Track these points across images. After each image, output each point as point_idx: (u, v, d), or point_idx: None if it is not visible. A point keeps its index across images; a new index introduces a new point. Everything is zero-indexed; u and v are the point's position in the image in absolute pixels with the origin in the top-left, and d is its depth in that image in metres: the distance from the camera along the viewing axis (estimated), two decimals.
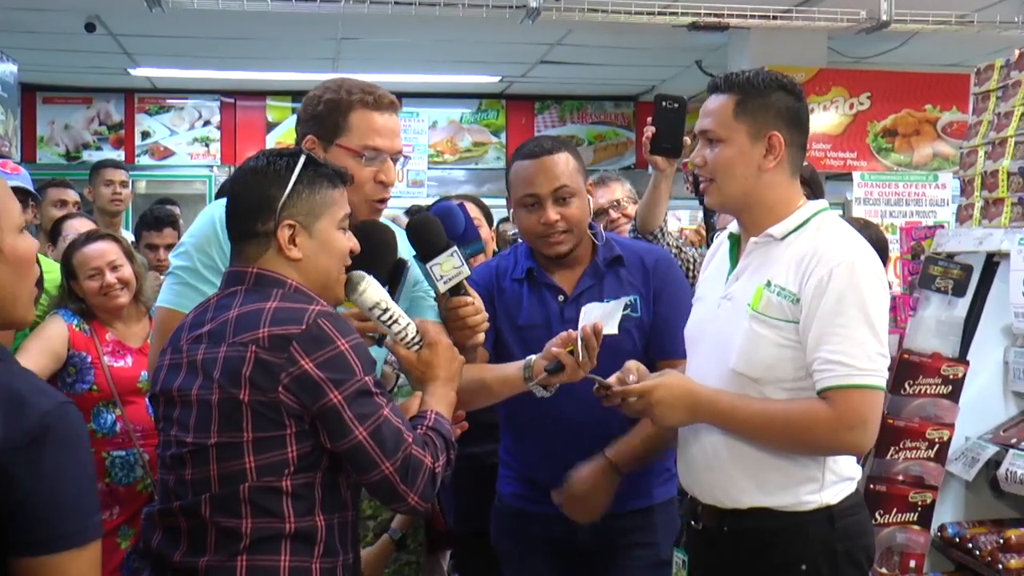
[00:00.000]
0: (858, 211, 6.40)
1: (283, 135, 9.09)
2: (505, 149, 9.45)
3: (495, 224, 4.56)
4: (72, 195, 4.96)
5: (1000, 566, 2.60)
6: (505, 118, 9.64)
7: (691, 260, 3.69)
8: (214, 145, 9.24)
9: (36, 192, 4.40)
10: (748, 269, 2.20)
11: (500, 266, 2.67)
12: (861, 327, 2.03)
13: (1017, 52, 3.12)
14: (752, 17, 6.39)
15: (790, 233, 2.16)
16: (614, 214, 3.96)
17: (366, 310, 2.05)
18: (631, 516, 2.57)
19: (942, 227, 3.59)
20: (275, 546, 1.81)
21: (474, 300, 2.27)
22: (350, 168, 2.11)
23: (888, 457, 2.73)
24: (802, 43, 6.83)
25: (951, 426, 2.76)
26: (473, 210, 3.48)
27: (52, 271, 3.48)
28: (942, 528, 2.81)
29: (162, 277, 2.39)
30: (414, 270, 2.27)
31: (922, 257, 3.12)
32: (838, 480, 2.15)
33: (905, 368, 2.78)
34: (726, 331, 2.17)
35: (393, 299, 2.09)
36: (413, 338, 2.08)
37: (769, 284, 2.12)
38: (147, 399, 3.03)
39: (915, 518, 2.73)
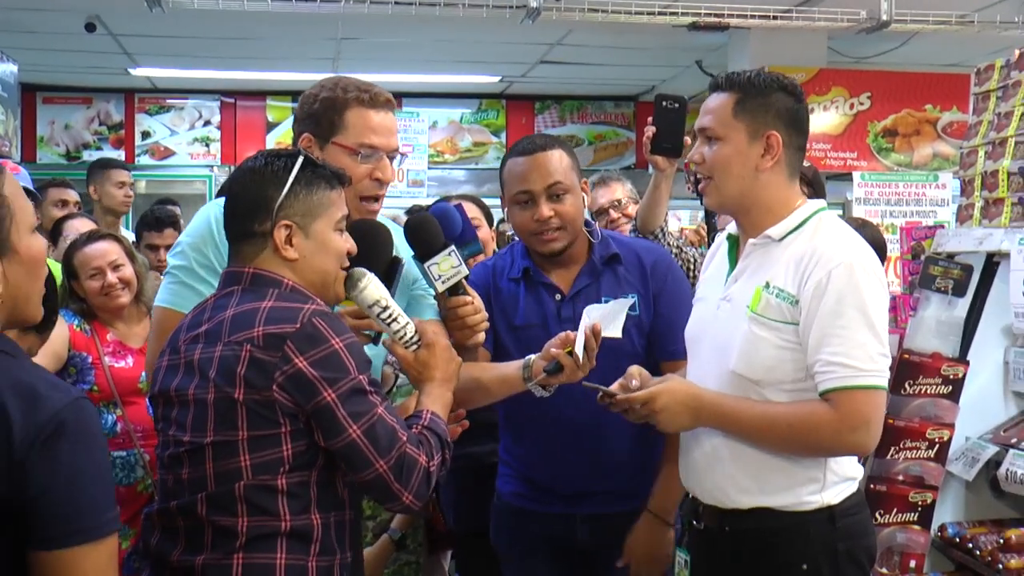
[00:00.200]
0: (858, 211, 6.39)
1: (283, 135, 9.09)
2: (505, 149, 9.44)
3: (495, 224, 4.56)
4: (72, 195, 4.96)
5: (1000, 566, 2.60)
6: (505, 118, 9.64)
7: (691, 260, 3.69)
8: (214, 145, 9.23)
9: (36, 192, 4.40)
10: (747, 271, 2.20)
11: (497, 265, 2.66)
12: (861, 328, 2.03)
13: (1017, 52, 3.12)
14: (752, 17, 6.39)
15: (788, 234, 2.16)
16: (615, 214, 3.97)
17: (366, 307, 2.05)
18: (630, 515, 2.57)
19: (942, 227, 3.59)
20: (271, 544, 1.81)
21: (473, 300, 2.27)
22: (346, 166, 2.11)
23: (888, 457, 2.73)
24: (802, 43, 6.83)
25: (951, 426, 2.76)
26: (472, 210, 3.49)
27: (53, 271, 3.48)
28: (942, 528, 2.81)
29: (162, 277, 2.41)
30: (414, 269, 2.27)
31: (922, 257, 3.12)
32: (839, 480, 2.15)
33: (905, 368, 2.78)
34: (725, 333, 2.17)
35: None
36: (411, 337, 2.08)
37: (768, 286, 2.12)
38: (147, 399, 3.03)
39: (915, 518, 2.73)
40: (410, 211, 4.79)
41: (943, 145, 7.22)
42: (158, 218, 4.74)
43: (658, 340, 2.55)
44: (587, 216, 2.75)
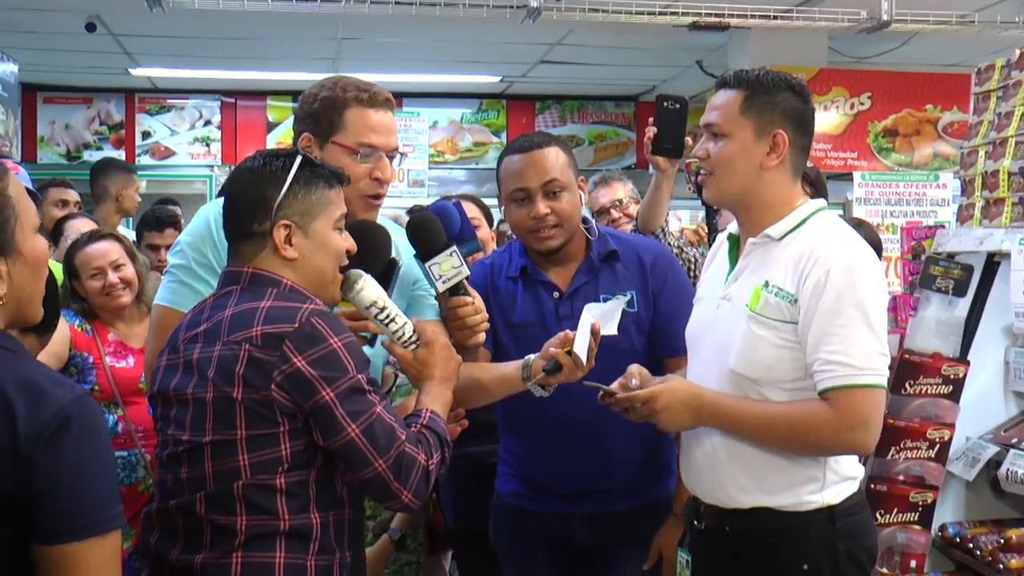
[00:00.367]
0: (859, 211, 6.39)
1: (284, 135, 9.08)
2: None
3: (495, 224, 4.55)
4: (73, 195, 4.96)
5: (1001, 566, 2.60)
6: (506, 118, 9.63)
7: (692, 260, 3.70)
8: (215, 145, 9.23)
9: (37, 192, 4.40)
10: (746, 270, 2.20)
11: (495, 264, 2.66)
12: (860, 327, 2.03)
13: (1018, 52, 3.12)
14: (753, 17, 6.38)
15: (788, 233, 2.16)
16: (616, 213, 3.97)
17: (363, 308, 2.05)
18: (629, 514, 2.57)
19: (943, 227, 3.60)
20: (270, 543, 1.81)
21: (474, 300, 2.27)
22: (345, 165, 2.11)
23: (889, 457, 2.73)
24: (803, 43, 6.82)
25: (952, 426, 2.76)
26: (472, 209, 3.49)
27: (55, 272, 3.48)
28: (943, 528, 2.81)
29: (163, 277, 2.42)
30: (414, 270, 2.27)
31: (923, 257, 3.12)
32: (839, 480, 2.15)
33: (906, 368, 2.78)
34: (725, 332, 2.17)
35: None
36: (410, 337, 2.08)
37: (767, 285, 2.12)
38: (148, 399, 3.04)
39: (916, 518, 2.73)
40: (411, 211, 4.79)
41: (943, 145, 7.22)
42: (159, 218, 4.74)
43: (661, 337, 2.55)
44: (585, 214, 2.75)
